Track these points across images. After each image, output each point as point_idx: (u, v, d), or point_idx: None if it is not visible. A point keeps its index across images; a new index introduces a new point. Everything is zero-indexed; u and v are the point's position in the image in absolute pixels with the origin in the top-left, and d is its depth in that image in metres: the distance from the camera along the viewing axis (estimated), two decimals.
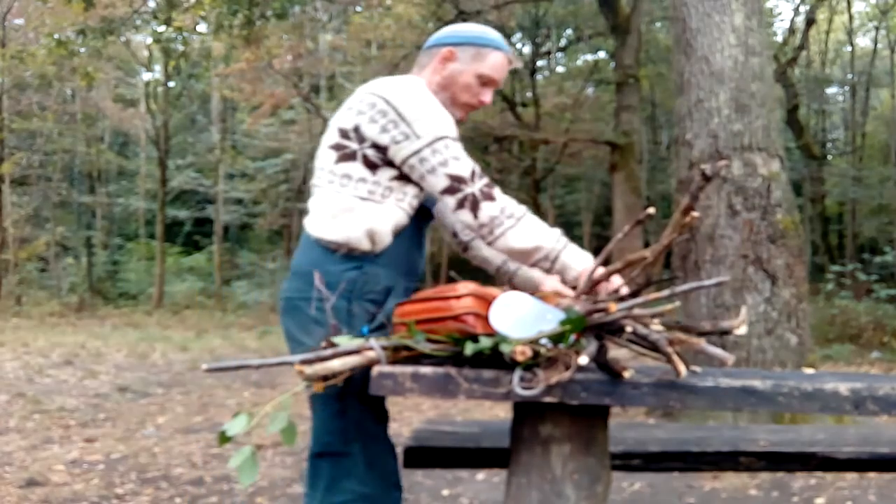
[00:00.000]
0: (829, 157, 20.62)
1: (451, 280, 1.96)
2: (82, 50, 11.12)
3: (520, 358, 1.43)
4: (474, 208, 1.79)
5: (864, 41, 21.30)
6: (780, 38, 18.08)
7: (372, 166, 1.82)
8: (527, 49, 18.17)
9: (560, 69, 19.58)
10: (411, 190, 1.86)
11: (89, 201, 22.43)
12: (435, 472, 3.86)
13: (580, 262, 1.84)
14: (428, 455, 2.10)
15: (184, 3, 10.10)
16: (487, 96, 1.99)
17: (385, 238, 1.82)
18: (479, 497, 3.64)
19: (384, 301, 1.81)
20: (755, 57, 4.99)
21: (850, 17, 19.24)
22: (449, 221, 1.97)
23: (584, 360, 1.41)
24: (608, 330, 1.55)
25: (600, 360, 1.52)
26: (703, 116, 4.98)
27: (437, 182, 1.80)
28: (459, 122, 1.97)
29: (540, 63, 18.61)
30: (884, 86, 20.02)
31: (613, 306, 1.52)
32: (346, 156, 1.83)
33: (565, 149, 15.08)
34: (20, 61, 13.66)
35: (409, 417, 5.51)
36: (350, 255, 1.81)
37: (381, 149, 1.81)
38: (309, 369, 1.44)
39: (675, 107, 5.39)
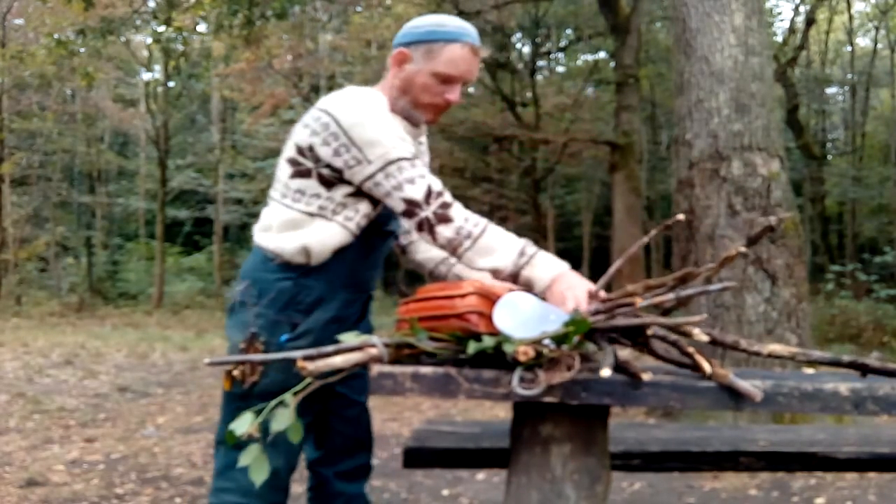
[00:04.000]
0: (829, 157, 20.62)
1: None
2: (82, 50, 11.12)
3: (522, 358, 1.43)
4: (431, 232, 1.75)
5: (864, 41, 21.32)
6: (780, 38, 18.07)
7: (327, 184, 1.81)
8: (527, 49, 18.17)
9: (560, 69, 19.59)
10: (364, 208, 1.84)
11: (89, 201, 22.42)
12: (435, 472, 3.86)
13: (548, 271, 1.73)
14: (428, 455, 2.10)
15: (184, 3, 10.10)
16: (454, 94, 1.85)
17: (321, 255, 1.82)
18: (479, 497, 3.64)
19: (312, 311, 1.83)
20: (755, 57, 4.99)
21: (850, 17, 19.24)
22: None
23: (606, 372, 1.40)
24: (625, 333, 1.55)
25: (617, 364, 1.52)
26: (703, 116, 4.98)
27: (395, 206, 1.78)
28: (429, 123, 1.92)
29: (540, 63, 18.60)
30: (884, 86, 20.02)
31: (639, 300, 1.53)
32: (301, 172, 1.82)
33: (565, 149, 15.06)
34: (20, 61, 13.67)
35: (409, 417, 5.51)
36: (286, 266, 1.82)
37: (336, 170, 1.79)
38: (311, 366, 1.44)
39: (675, 107, 5.38)
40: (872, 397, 1.49)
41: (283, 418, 1.47)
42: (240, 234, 23.78)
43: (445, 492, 3.72)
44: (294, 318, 1.81)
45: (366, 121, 1.76)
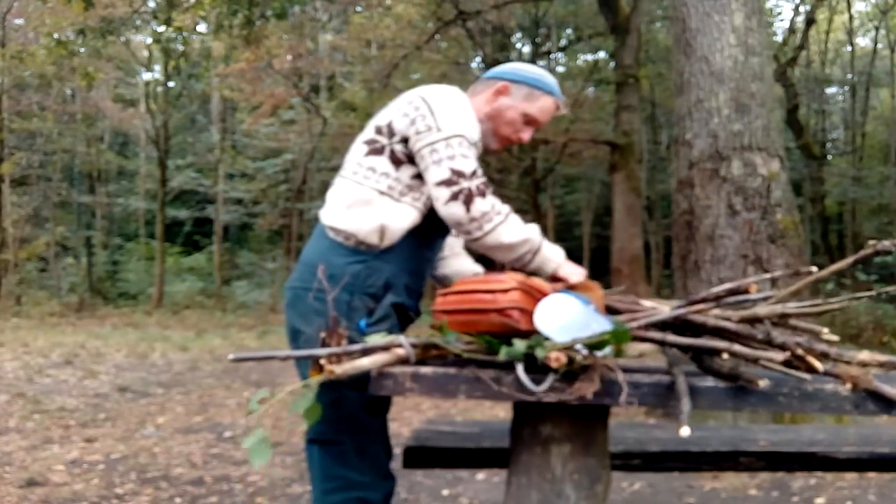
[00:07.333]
0: (829, 157, 20.61)
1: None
2: (82, 50, 11.12)
3: (554, 364, 1.39)
4: (468, 202, 1.81)
5: (864, 41, 21.31)
6: (780, 38, 18.06)
7: (397, 162, 1.88)
8: (527, 49, 18.16)
9: (560, 69, 19.57)
10: (428, 191, 1.90)
11: (89, 201, 22.42)
12: (435, 472, 3.85)
13: (556, 254, 1.90)
14: (428, 455, 2.10)
15: (184, 3, 10.10)
16: (527, 134, 2.05)
17: (395, 235, 1.87)
18: (479, 497, 3.64)
19: (383, 295, 1.86)
20: (755, 57, 4.99)
21: (850, 17, 19.24)
22: None
23: (685, 432, 1.32)
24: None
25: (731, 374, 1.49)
26: (702, 116, 4.97)
27: (439, 173, 1.83)
28: (494, 153, 2.06)
29: (540, 63, 18.58)
30: (884, 86, 20.00)
31: (755, 287, 1.56)
32: (375, 150, 1.90)
33: (565, 149, 15.05)
34: (20, 61, 13.66)
35: (409, 417, 5.50)
36: (357, 249, 1.86)
37: (407, 142, 1.87)
38: (339, 368, 1.41)
39: (675, 107, 5.38)
40: (872, 397, 1.48)
41: (305, 400, 1.45)
42: (240, 234, 23.79)
43: (445, 492, 3.72)
44: (367, 302, 1.85)
45: (450, 100, 1.89)
